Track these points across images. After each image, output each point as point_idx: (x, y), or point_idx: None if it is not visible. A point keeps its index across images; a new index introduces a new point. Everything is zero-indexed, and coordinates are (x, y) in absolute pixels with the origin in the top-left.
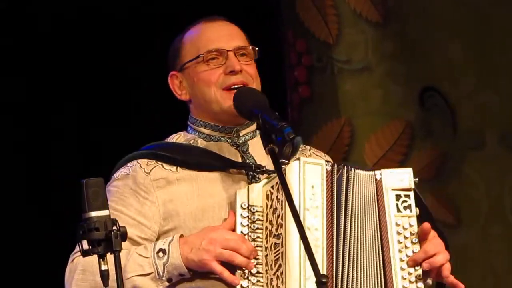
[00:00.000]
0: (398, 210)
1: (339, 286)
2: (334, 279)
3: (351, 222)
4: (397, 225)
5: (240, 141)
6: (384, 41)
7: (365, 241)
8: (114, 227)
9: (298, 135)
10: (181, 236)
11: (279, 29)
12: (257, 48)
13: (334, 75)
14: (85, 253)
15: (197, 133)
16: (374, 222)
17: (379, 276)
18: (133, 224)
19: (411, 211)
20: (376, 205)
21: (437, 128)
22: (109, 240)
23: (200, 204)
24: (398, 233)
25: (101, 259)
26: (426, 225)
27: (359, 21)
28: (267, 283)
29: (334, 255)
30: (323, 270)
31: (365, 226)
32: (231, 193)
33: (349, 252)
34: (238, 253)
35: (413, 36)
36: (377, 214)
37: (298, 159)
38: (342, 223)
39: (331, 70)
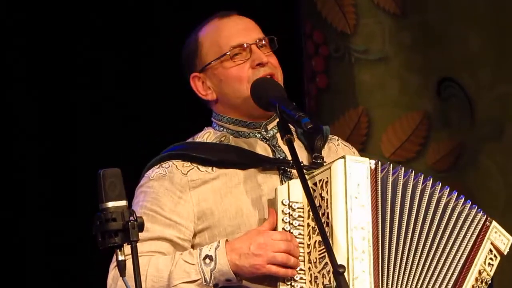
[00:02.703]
0: (484, 262)
1: (385, 285)
2: (380, 276)
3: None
4: (479, 272)
5: (269, 135)
6: (401, 32)
7: (435, 254)
8: (131, 218)
9: (326, 125)
10: (226, 241)
11: (296, 19)
12: (275, 38)
13: (352, 65)
14: (101, 244)
15: (224, 130)
16: (457, 248)
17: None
18: (170, 224)
19: (491, 271)
20: (473, 243)
21: (454, 119)
22: (126, 230)
23: (234, 201)
24: (476, 280)
25: (118, 250)
26: None
27: (377, 11)
28: (310, 281)
29: (380, 253)
30: (369, 267)
31: (441, 240)
32: (264, 189)
33: (400, 252)
34: (290, 254)
35: (430, 27)
36: (469, 249)
37: (343, 157)
38: (388, 221)
39: (349, 60)
